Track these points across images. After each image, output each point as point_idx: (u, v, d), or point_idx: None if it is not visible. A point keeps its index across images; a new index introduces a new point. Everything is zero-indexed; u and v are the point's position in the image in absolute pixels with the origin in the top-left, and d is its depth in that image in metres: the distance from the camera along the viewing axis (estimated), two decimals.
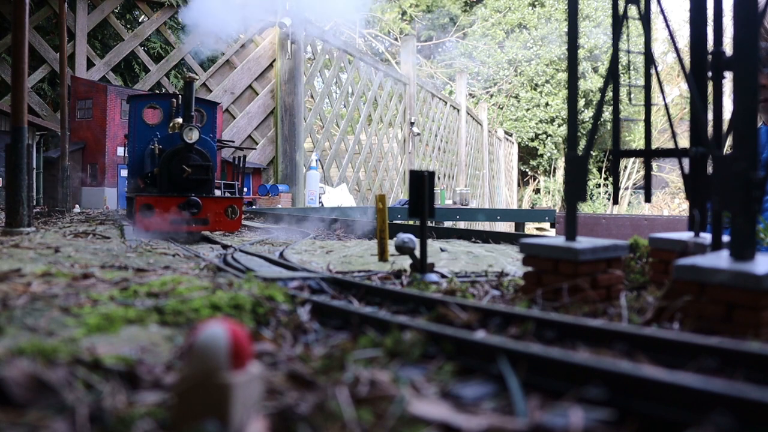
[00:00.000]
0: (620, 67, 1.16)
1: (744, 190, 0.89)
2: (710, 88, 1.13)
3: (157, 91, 7.66)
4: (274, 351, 0.83)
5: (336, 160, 9.89)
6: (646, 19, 1.13)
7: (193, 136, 3.15)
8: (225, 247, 2.65)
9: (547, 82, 22.70)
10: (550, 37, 22.68)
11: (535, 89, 22.96)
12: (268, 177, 8.69)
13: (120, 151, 6.51)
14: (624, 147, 1.46)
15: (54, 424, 0.55)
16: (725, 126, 1.10)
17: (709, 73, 1.12)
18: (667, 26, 1.20)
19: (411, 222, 4.14)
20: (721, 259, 0.91)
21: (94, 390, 0.64)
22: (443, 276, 1.55)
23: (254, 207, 7.21)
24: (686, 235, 1.18)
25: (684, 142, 1.16)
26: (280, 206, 7.48)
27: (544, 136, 22.86)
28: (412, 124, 12.24)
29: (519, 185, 24.25)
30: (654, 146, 1.21)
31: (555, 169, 23.34)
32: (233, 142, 7.42)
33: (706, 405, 0.56)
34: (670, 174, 21.67)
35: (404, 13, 22.94)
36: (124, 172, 6.21)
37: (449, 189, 13.90)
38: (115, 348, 0.83)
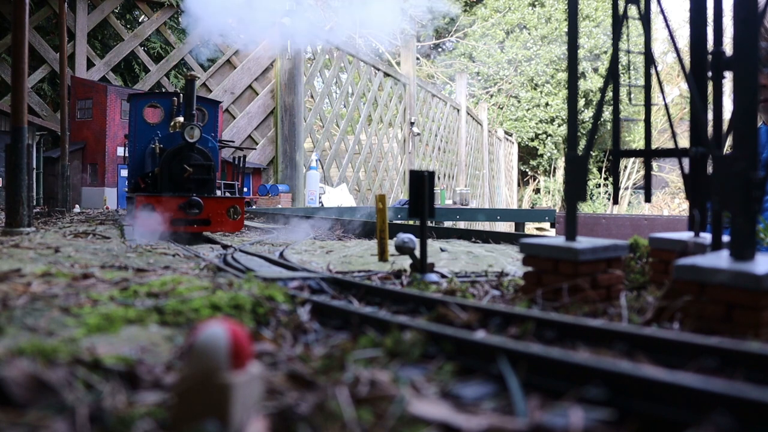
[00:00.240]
0: (620, 67, 1.16)
1: (744, 190, 0.89)
2: (710, 88, 1.13)
3: (157, 91, 7.66)
4: (274, 351, 0.83)
5: (336, 160, 9.88)
6: (646, 19, 1.13)
7: (194, 135, 3.13)
8: (225, 247, 2.65)
9: (547, 82, 22.69)
10: (550, 37, 22.68)
11: (535, 89, 22.96)
12: (268, 177, 8.69)
13: (120, 151, 6.51)
14: (624, 147, 1.46)
15: (54, 424, 0.55)
16: (725, 126, 1.10)
17: (709, 73, 1.12)
18: (667, 26, 1.19)
19: (411, 222, 4.14)
20: (721, 259, 0.91)
21: (94, 390, 0.64)
22: (443, 276, 1.55)
23: (254, 207, 7.20)
24: (686, 235, 1.18)
25: (684, 142, 1.16)
26: (280, 206, 7.48)
27: (544, 136, 22.85)
28: (412, 124, 12.24)
29: (519, 185, 24.25)
30: (654, 146, 1.21)
31: (555, 169, 23.33)
32: (233, 142, 7.42)
33: (706, 405, 0.56)
34: (670, 174, 21.67)
35: (404, 12, 22.92)
36: (124, 172, 6.21)
37: (449, 189, 13.90)
38: (115, 348, 0.83)
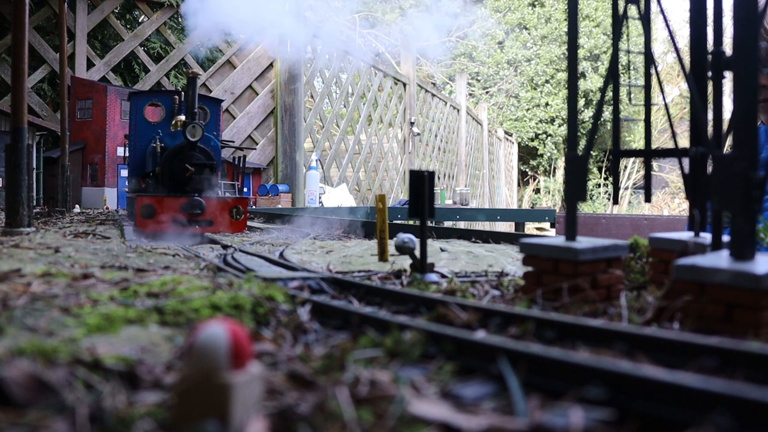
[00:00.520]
0: (620, 67, 1.16)
1: (744, 190, 0.89)
2: (710, 88, 1.13)
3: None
4: (274, 351, 0.83)
5: (336, 160, 9.88)
6: (646, 19, 1.13)
7: (196, 133, 3.10)
8: (225, 247, 2.65)
9: (547, 82, 22.69)
10: (550, 37, 22.67)
11: (535, 89, 22.96)
12: (268, 177, 8.69)
13: (120, 151, 6.51)
14: (624, 147, 1.46)
15: (54, 424, 0.55)
16: (725, 126, 1.10)
17: (709, 73, 1.12)
18: (667, 26, 1.19)
19: (411, 222, 4.14)
20: (721, 259, 0.91)
21: (94, 390, 0.64)
22: (443, 276, 1.55)
23: (254, 207, 7.21)
24: (686, 235, 1.18)
25: (684, 142, 1.16)
26: (280, 206, 7.48)
27: (544, 136, 22.85)
28: (412, 124, 12.24)
29: (519, 185, 24.25)
30: (654, 146, 1.21)
31: (555, 169, 23.33)
32: (233, 142, 7.42)
33: (706, 405, 0.56)
34: (670, 174, 21.67)
35: (404, 13, 22.94)
36: (124, 172, 6.20)
37: (449, 189, 13.90)
38: (115, 348, 0.83)
